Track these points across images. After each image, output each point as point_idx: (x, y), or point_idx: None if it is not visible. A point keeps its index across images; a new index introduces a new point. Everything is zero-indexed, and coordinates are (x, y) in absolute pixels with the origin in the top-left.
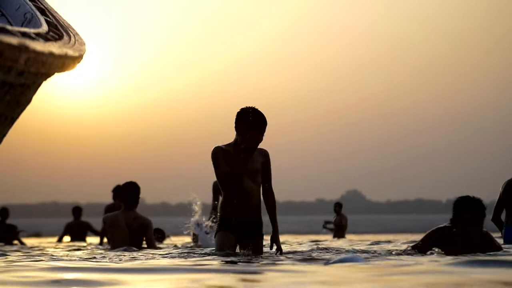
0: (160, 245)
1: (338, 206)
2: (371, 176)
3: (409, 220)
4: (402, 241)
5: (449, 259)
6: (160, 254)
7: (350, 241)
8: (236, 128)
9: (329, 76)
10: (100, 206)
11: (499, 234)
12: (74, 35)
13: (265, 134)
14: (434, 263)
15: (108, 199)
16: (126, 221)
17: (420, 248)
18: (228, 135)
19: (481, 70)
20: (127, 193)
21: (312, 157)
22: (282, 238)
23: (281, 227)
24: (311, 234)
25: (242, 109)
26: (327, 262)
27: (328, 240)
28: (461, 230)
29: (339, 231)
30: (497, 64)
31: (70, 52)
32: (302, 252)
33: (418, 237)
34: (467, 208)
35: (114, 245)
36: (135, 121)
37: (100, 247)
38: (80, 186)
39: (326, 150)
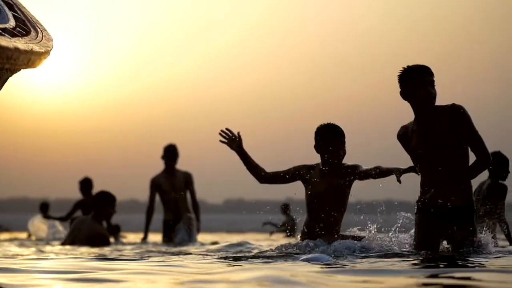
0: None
1: (285, 207)
2: None
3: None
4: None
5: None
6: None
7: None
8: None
9: (304, 74)
10: (70, 202)
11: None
12: (41, 31)
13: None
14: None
15: (77, 194)
16: (88, 231)
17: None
18: (201, 132)
19: (456, 69)
20: (97, 203)
21: (281, 155)
22: (249, 237)
23: (251, 225)
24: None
25: None
26: (295, 259)
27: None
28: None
29: (290, 231)
30: (474, 61)
31: (36, 48)
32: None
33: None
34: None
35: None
36: (107, 117)
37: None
38: (50, 181)
39: (296, 148)
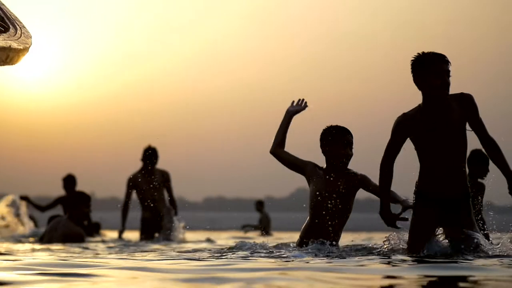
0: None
1: (259, 205)
2: None
3: (356, 219)
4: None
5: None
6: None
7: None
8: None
9: (283, 75)
10: (50, 199)
11: None
12: (20, 27)
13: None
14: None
15: (59, 191)
16: (63, 230)
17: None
18: (182, 130)
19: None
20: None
21: (261, 155)
22: (229, 234)
23: (230, 224)
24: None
25: None
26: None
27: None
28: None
29: (264, 229)
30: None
31: (15, 45)
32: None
33: (365, 235)
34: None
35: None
36: (87, 114)
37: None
38: (30, 178)
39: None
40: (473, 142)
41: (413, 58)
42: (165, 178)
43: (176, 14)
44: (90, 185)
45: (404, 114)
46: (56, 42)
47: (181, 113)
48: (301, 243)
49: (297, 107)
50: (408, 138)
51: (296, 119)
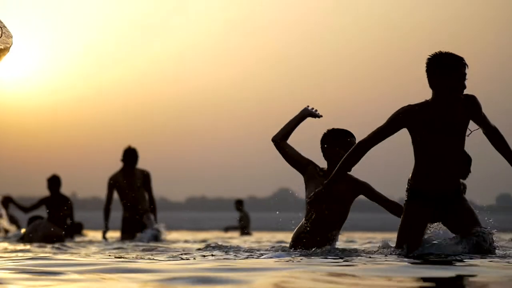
0: (77, 239)
1: (239, 204)
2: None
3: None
4: None
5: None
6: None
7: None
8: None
9: (266, 73)
10: (33, 200)
11: None
12: (1, 27)
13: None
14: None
15: (42, 191)
16: (43, 231)
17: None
18: (165, 130)
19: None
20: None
21: (244, 154)
22: (209, 235)
23: (212, 224)
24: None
25: None
26: (258, 258)
27: (235, 238)
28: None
29: (244, 228)
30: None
31: None
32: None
33: (347, 235)
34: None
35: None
36: (69, 114)
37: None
38: (10, 178)
39: (258, 147)
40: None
41: (431, 57)
42: (145, 178)
43: (154, 14)
44: (72, 185)
45: (410, 105)
46: (34, 42)
47: (164, 113)
48: (295, 247)
49: (313, 112)
50: (410, 135)
51: (280, 118)
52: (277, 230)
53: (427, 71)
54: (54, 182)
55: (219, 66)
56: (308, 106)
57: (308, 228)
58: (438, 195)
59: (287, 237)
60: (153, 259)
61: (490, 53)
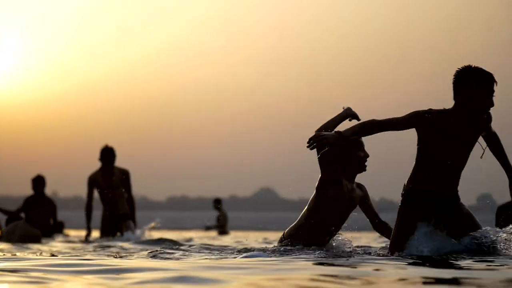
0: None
1: (217, 202)
2: (284, 173)
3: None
4: None
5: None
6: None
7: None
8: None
9: (248, 73)
10: (13, 199)
11: None
12: None
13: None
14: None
15: (22, 190)
16: (20, 233)
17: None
18: (145, 129)
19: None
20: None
21: (225, 153)
22: (193, 234)
23: (193, 223)
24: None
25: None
26: (235, 258)
27: (213, 237)
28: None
29: (222, 227)
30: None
31: None
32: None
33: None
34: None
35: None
36: (50, 112)
37: None
38: None
39: (240, 146)
40: None
41: (460, 69)
42: (124, 177)
43: (136, 12)
44: (53, 184)
45: (430, 109)
46: (15, 41)
47: (145, 112)
48: (292, 244)
49: (355, 113)
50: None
51: (263, 117)
52: (257, 230)
53: (454, 82)
54: (38, 182)
55: (201, 66)
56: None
57: (310, 229)
58: (439, 198)
59: (270, 236)
60: (133, 258)
61: (489, 52)
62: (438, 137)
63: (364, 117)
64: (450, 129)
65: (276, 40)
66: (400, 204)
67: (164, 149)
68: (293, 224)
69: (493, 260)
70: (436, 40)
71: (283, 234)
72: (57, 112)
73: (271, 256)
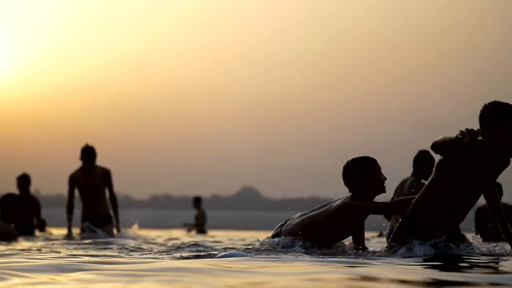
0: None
1: (197, 201)
2: (266, 172)
3: None
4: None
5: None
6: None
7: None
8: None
9: (232, 70)
10: None
11: None
12: None
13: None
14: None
15: (8, 188)
16: None
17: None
18: (127, 127)
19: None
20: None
21: (207, 152)
22: (172, 233)
23: (175, 222)
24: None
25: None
26: (213, 257)
27: (191, 235)
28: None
29: (200, 226)
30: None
31: None
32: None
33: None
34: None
35: None
36: (31, 110)
37: None
38: None
39: (222, 145)
40: None
41: (488, 104)
42: (105, 176)
43: (115, 10)
44: (35, 182)
45: (474, 142)
46: None
47: (128, 111)
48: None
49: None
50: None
51: (241, 117)
52: (240, 229)
53: (481, 115)
54: (23, 180)
55: (185, 63)
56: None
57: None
58: (442, 233)
59: (250, 236)
60: (118, 256)
61: (487, 50)
62: (463, 165)
63: (348, 118)
64: (477, 163)
65: (262, 38)
66: (397, 225)
67: (147, 147)
68: (312, 221)
69: (493, 261)
70: (423, 39)
71: (280, 231)
72: (38, 110)
73: (250, 255)
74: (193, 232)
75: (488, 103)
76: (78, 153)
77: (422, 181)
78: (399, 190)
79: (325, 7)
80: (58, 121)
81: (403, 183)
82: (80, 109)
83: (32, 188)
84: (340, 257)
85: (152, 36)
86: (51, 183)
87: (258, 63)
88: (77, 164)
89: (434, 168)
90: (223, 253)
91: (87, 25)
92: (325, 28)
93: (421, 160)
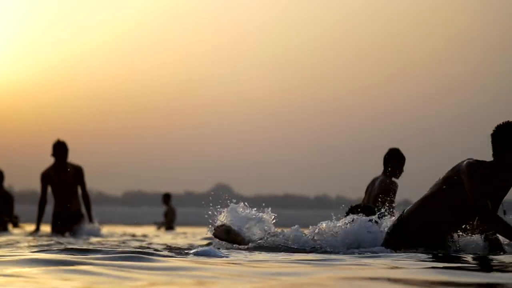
0: (14, 231)
1: (166, 198)
2: (240, 170)
3: (278, 215)
4: None
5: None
6: None
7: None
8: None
9: (204, 66)
10: None
11: None
12: None
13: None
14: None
15: None
16: None
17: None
18: (99, 123)
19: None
20: None
21: (181, 149)
22: (145, 230)
23: (149, 219)
24: (182, 226)
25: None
26: (185, 254)
27: (160, 232)
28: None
29: (169, 223)
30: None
31: None
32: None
33: None
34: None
35: None
36: (5, 102)
37: None
38: None
39: (195, 142)
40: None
41: (502, 125)
42: (78, 173)
43: (79, 3)
44: (8, 178)
45: (483, 165)
46: None
47: (100, 106)
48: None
49: None
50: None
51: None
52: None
53: (493, 135)
54: None
55: (156, 57)
56: None
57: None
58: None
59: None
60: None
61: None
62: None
63: (323, 117)
64: (490, 181)
65: (239, 34)
66: (389, 231)
67: (120, 143)
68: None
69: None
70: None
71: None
72: (10, 104)
73: (221, 252)
74: (162, 229)
75: (504, 123)
76: (50, 149)
77: (393, 179)
78: (370, 188)
79: (310, 1)
80: (31, 116)
81: (373, 181)
82: (53, 104)
83: (6, 184)
84: (340, 256)
85: (126, 28)
86: (25, 178)
87: (235, 58)
88: (50, 159)
89: (442, 180)
90: (196, 250)
91: (58, 14)
92: (307, 24)
93: (391, 157)
